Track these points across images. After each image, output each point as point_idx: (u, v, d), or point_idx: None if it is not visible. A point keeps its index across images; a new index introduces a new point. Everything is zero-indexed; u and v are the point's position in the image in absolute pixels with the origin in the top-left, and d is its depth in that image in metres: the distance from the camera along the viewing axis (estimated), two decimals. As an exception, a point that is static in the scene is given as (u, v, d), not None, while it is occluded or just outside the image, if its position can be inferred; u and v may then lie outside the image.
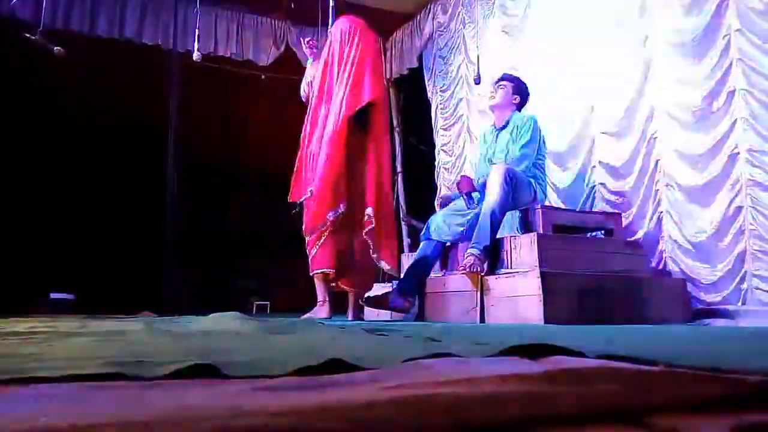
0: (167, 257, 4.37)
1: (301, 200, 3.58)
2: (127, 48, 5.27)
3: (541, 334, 1.59)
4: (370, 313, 3.73)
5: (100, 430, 0.40)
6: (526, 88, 3.56)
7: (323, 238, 3.44)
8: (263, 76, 5.73)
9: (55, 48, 3.78)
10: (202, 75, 5.17)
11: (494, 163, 3.30)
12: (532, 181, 3.25)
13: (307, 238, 3.56)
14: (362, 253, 3.48)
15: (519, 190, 3.13)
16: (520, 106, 3.52)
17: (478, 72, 4.01)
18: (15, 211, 5.00)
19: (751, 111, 2.92)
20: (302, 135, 3.73)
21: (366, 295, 3.51)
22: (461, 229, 3.30)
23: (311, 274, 3.53)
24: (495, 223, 3.02)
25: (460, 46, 5.23)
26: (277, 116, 4.17)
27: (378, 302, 3.35)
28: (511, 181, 3.06)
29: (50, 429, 0.39)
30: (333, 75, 3.62)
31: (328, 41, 3.74)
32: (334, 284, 3.54)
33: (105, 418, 0.41)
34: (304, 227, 3.57)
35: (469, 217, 3.26)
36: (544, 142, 3.44)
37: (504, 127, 3.44)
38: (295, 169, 3.71)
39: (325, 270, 3.45)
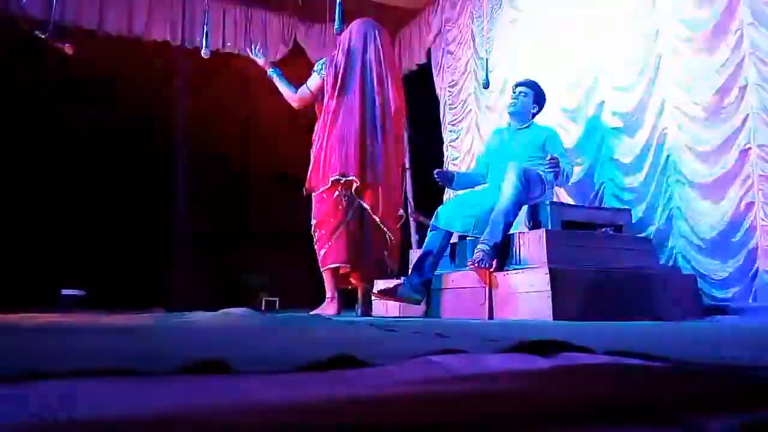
0: (177, 254, 4.40)
1: (320, 190, 3.56)
2: (136, 44, 5.30)
3: (551, 331, 1.59)
4: (379, 309, 3.73)
5: (112, 424, 0.40)
6: (545, 95, 3.58)
7: (338, 232, 3.45)
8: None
9: (66, 45, 3.80)
10: (211, 71, 5.19)
11: (512, 161, 3.33)
12: (543, 174, 3.26)
13: (316, 234, 3.56)
14: (374, 246, 3.49)
15: (532, 187, 3.16)
16: (536, 115, 3.57)
17: (487, 77, 4.00)
18: (26, 208, 5.04)
19: (763, 106, 2.89)
20: (319, 130, 3.71)
21: (376, 288, 3.52)
22: (472, 220, 3.30)
23: (322, 269, 3.53)
24: (508, 221, 3.04)
25: (468, 41, 5.21)
26: (285, 112, 4.16)
27: (388, 294, 3.36)
28: (526, 179, 3.09)
29: (61, 424, 0.40)
30: (357, 73, 3.63)
31: (348, 39, 3.73)
32: (350, 279, 3.54)
33: (117, 412, 0.42)
34: (316, 222, 3.56)
35: (479, 208, 3.26)
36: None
37: (523, 129, 3.49)
38: (312, 161, 3.69)
39: (339, 264, 3.45)
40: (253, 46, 4.01)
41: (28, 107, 5.09)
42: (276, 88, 3.88)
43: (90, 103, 5.37)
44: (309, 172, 3.67)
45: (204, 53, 3.96)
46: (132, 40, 5.26)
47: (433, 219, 3.47)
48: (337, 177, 3.47)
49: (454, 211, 3.39)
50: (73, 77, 5.04)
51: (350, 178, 3.47)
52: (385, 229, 3.50)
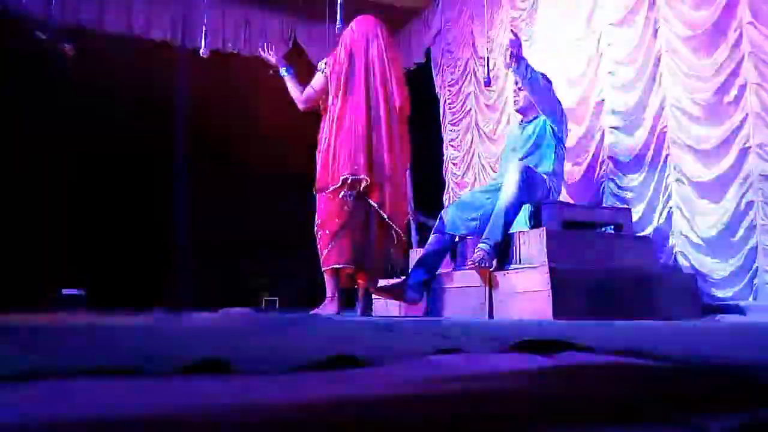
0: (178, 253, 4.39)
1: (330, 189, 3.54)
2: (136, 44, 5.30)
3: (551, 330, 1.59)
4: (380, 308, 3.73)
5: (112, 424, 0.40)
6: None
7: (341, 233, 3.44)
8: (271, 72, 5.73)
9: (66, 46, 3.79)
10: (211, 71, 5.18)
11: (520, 155, 3.33)
12: (546, 177, 3.25)
13: (320, 233, 3.55)
14: (378, 246, 3.48)
15: (533, 187, 3.15)
16: None
17: (488, 74, 4.00)
18: (26, 207, 5.04)
19: (762, 105, 2.89)
20: (325, 129, 3.70)
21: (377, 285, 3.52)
22: (474, 223, 3.30)
23: (324, 269, 3.52)
24: (508, 220, 3.03)
25: (468, 40, 5.21)
26: (285, 113, 4.15)
27: (389, 292, 3.36)
28: (527, 179, 3.08)
29: (61, 423, 0.40)
30: (360, 72, 3.63)
31: (351, 38, 3.73)
32: (354, 279, 3.53)
33: (117, 412, 0.42)
34: (320, 222, 3.55)
35: (482, 211, 3.26)
36: (563, 142, 3.43)
37: (530, 121, 3.46)
38: (321, 161, 3.67)
39: (342, 265, 3.44)
40: (266, 45, 4.05)
41: (27, 107, 5.09)
42: (283, 87, 3.88)
43: (89, 104, 5.37)
44: (317, 173, 3.65)
45: (203, 53, 3.97)
46: (132, 39, 5.27)
47: (437, 222, 3.47)
48: (346, 176, 3.47)
49: (458, 214, 3.39)
50: (73, 77, 5.03)
51: (359, 177, 3.46)
52: (393, 225, 3.49)
